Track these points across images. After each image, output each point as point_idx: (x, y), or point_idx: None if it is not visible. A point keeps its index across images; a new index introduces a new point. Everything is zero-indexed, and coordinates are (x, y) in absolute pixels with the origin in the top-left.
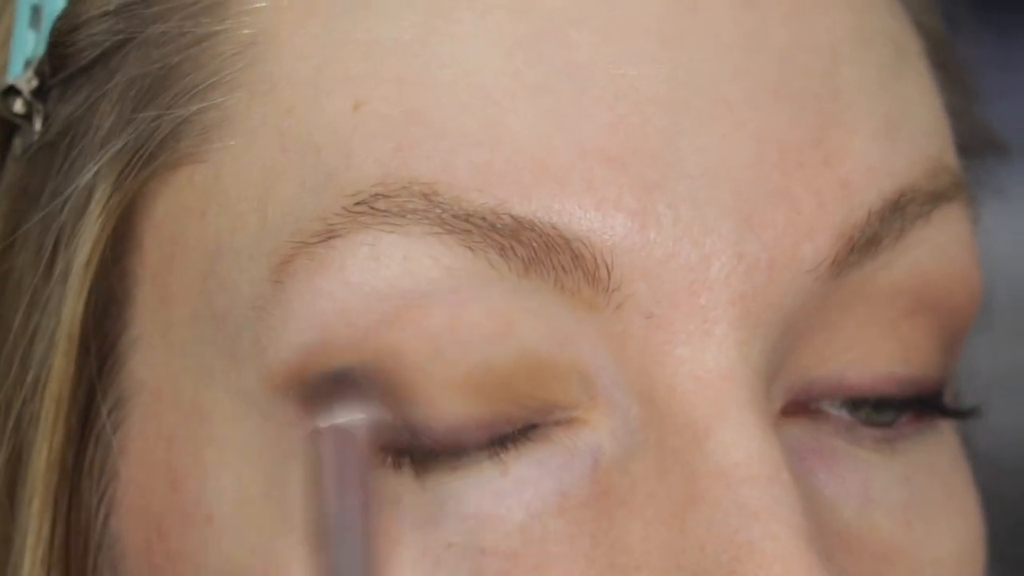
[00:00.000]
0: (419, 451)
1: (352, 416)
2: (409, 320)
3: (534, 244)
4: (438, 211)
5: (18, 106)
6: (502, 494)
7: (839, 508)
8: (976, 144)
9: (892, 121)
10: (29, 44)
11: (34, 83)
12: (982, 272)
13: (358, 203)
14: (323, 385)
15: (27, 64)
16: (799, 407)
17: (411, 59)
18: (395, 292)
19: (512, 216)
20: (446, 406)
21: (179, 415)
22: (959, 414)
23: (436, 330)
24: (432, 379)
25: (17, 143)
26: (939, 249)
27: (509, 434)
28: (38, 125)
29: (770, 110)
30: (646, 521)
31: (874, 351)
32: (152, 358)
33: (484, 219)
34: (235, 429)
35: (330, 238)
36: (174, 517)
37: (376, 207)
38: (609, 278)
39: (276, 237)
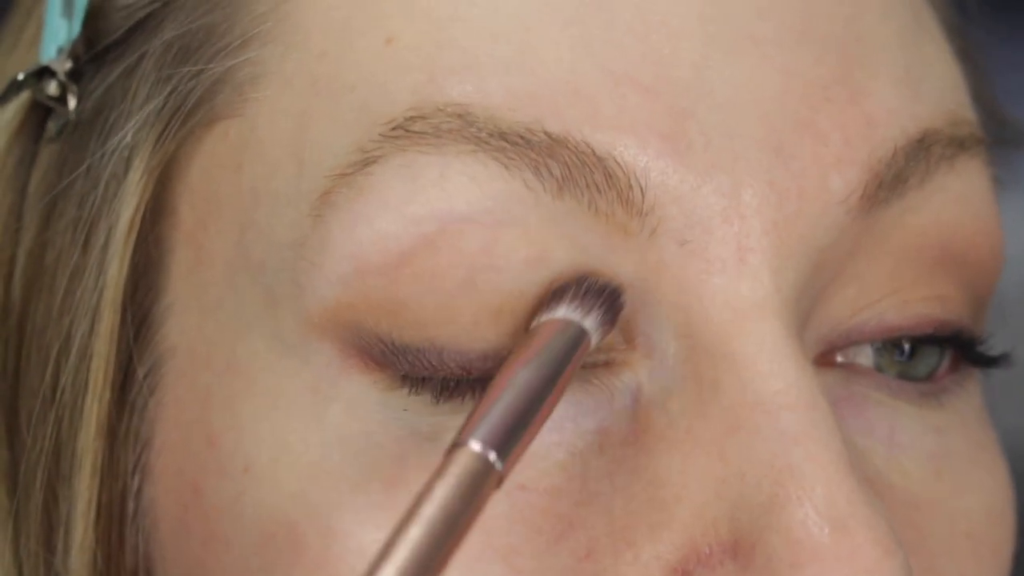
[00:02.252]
0: (446, 380)
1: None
2: (445, 243)
3: (568, 162)
4: (473, 130)
5: (52, 88)
6: (542, 431)
7: (869, 456)
8: (993, 127)
9: (912, 73)
10: (62, 33)
11: (68, 64)
12: None
13: (394, 128)
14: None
15: (59, 51)
16: (832, 360)
17: None
18: (432, 214)
19: (547, 133)
20: (481, 333)
21: (214, 373)
22: (995, 361)
23: (472, 252)
24: (467, 305)
25: (51, 126)
26: (963, 199)
27: None
28: (72, 104)
29: (796, 48)
30: (685, 454)
31: (908, 297)
32: (186, 322)
33: (520, 136)
34: (272, 379)
35: (367, 164)
36: (211, 472)
37: (412, 129)
38: (643, 199)
39: (314, 176)
